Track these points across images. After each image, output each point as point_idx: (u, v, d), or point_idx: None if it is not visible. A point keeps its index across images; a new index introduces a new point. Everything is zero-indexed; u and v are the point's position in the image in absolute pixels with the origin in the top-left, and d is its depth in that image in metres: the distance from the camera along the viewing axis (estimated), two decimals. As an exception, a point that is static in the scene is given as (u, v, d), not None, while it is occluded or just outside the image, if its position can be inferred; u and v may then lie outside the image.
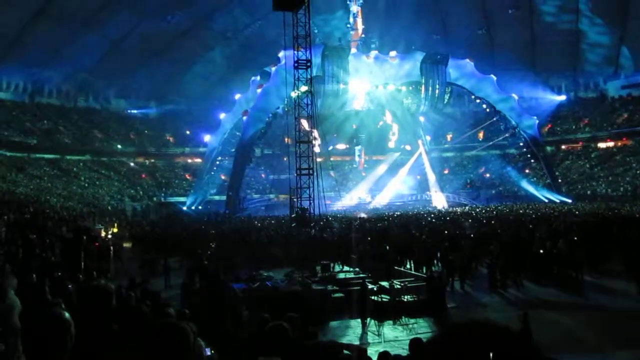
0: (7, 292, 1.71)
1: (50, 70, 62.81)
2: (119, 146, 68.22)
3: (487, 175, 67.75)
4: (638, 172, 56.52)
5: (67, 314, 2.09)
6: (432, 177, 64.68)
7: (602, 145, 66.01)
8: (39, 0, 52.66)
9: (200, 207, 55.21)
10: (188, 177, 68.12)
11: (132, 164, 67.71)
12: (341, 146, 68.81)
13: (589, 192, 56.77)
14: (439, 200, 60.52)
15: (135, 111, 76.83)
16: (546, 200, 53.16)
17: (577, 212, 36.69)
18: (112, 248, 25.68)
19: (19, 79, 64.63)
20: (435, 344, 1.13)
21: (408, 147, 65.60)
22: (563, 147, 69.28)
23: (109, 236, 32.38)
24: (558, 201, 52.07)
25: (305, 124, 27.57)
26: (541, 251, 20.19)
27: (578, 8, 65.52)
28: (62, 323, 2.03)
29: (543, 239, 21.92)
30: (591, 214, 34.56)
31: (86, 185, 56.56)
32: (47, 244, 18.28)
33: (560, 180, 58.69)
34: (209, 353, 4.27)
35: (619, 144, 64.51)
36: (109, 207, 51.06)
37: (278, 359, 2.64)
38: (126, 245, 29.76)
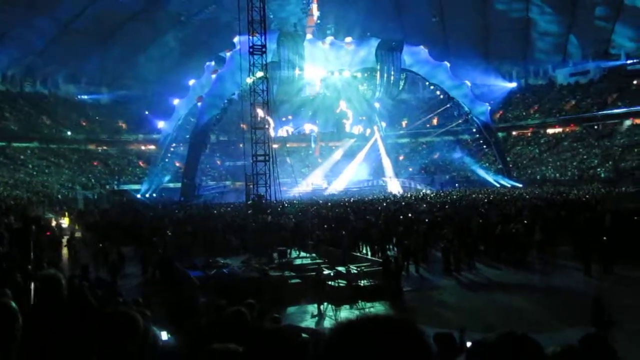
0: None
1: (-4, 53, 60.43)
2: (69, 133, 66.28)
3: (440, 161, 68.85)
4: (585, 157, 58.42)
5: (13, 304, 2.03)
6: (387, 163, 65.24)
7: (550, 131, 67.89)
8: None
9: (154, 195, 54.31)
10: (142, 165, 66.82)
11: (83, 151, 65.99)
12: (296, 132, 68.69)
13: (538, 176, 58.41)
14: (394, 186, 61.18)
15: (85, 97, 74.60)
16: (498, 185, 54.40)
17: (527, 196, 37.67)
18: (63, 238, 25.09)
19: (-38, 63, 62.00)
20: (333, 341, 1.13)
21: (367, 132, 65.85)
22: (514, 133, 71.02)
23: (61, 225, 31.58)
24: (509, 186, 53.41)
25: (260, 110, 27.38)
26: (493, 234, 20.71)
27: (529, -4, 66.89)
28: (8, 313, 1.97)
29: (495, 223, 22.45)
30: (540, 197, 35.57)
31: (34, 173, 54.86)
32: (-6, 234, 17.66)
33: (511, 166, 60.19)
34: (165, 338, 4.23)
35: (567, 130, 66.49)
36: (59, 196, 49.67)
37: (234, 346, 2.62)
38: (78, 234, 29.07)
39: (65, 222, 34.42)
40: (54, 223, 31.56)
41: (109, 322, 2.41)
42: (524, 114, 71.77)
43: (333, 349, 1.11)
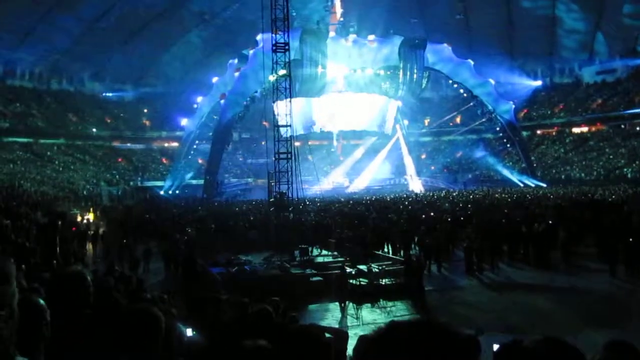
0: (11, 275, 1.67)
1: (23, 51, 61.34)
2: (94, 130, 67.18)
3: (464, 159, 68.34)
4: (611, 157, 57.47)
5: (41, 300, 2.05)
6: (409, 161, 64.97)
7: (576, 130, 66.93)
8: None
9: (177, 192, 54.79)
10: (165, 162, 67.46)
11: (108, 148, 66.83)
12: (319, 130, 68.79)
13: (563, 176, 57.59)
14: (416, 185, 60.92)
15: (110, 94, 75.59)
16: (521, 185, 53.78)
17: (551, 196, 37.20)
18: (88, 233, 25.43)
19: (-11, 61, 63.13)
20: (374, 344, 1.13)
21: (388, 131, 65.70)
22: (538, 132, 70.09)
23: (85, 221, 32.03)
24: (533, 185, 52.76)
25: (283, 107, 27.42)
26: (516, 234, 20.50)
27: (555, -7, 66.01)
28: (36, 309, 2.00)
29: (518, 223, 22.21)
30: (565, 197, 35.09)
31: (60, 169, 55.68)
32: (22, 229, 17.98)
33: (535, 165, 59.45)
34: (190, 334, 4.26)
35: (593, 129, 65.49)
36: (85, 192, 50.39)
37: (264, 342, 2.62)
38: (102, 230, 29.46)
39: (90, 217, 34.90)
40: (79, 218, 32.02)
41: (131, 319, 2.45)
42: (549, 112, 70.83)
43: (377, 353, 1.10)
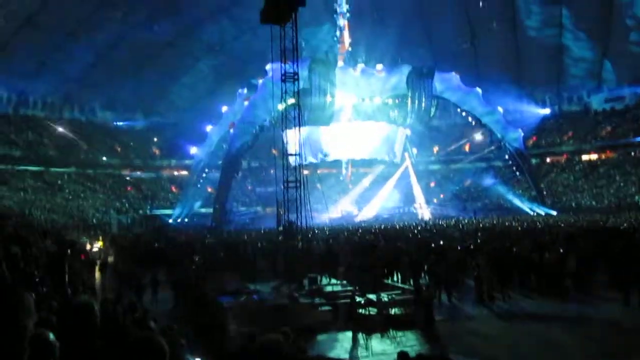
0: (33, 310, 1.68)
1: (36, 81, 62.33)
2: (104, 158, 67.73)
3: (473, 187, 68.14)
4: (621, 184, 57.14)
5: (52, 335, 2.05)
6: (418, 189, 64.90)
7: (586, 157, 66.73)
8: (25, 9, 52.32)
9: (186, 220, 54.85)
10: (174, 190, 67.74)
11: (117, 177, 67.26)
12: (328, 159, 69.01)
13: (573, 204, 57.22)
14: (425, 213, 60.75)
15: (121, 123, 76.38)
16: (532, 213, 53.45)
17: (562, 224, 36.92)
18: (97, 262, 25.45)
19: (3, 90, 64.02)
20: None
21: (395, 160, 65.77)
22: (548, 159, 69.92)
23: (94, 249, 32.06)
24: (543, 213, 52.41)
25: (292, 136, 27.54)
26: (527, 263, 20.29)
27: (561, 23, 66.45)
28: (47, 346, 1.99)
29: (529, 251, 22.00)
30: (576, 226, 34.80)
31: (70, 197, 56.05)
32: (31, 258, 18.02)
33: (545, 193, 59.16)
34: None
35: (603, 156, 65.27)
36: (94, 220, 50.60)
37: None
38: (111, 258, 29.46)
39: (99, 245, 34.95)
40: (88, 247, 32.06)
41: (135, 348, 2.43)
42: (558, 140, 70.74)
43: None
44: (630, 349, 11.59)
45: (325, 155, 61.18)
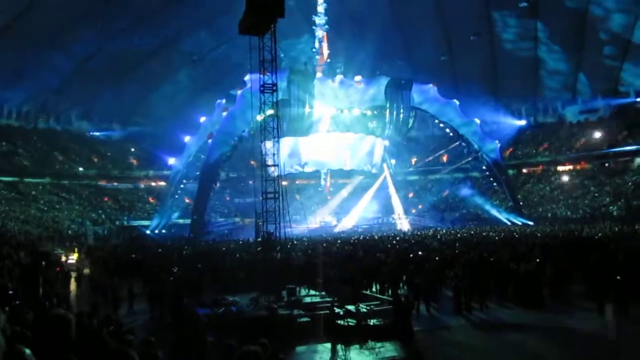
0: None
1: (11, 90, 61.40)
2: (81, 169, 66.91)
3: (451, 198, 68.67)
4: (596, 195, 58.04)
5: (27, 350, 2.01)
6: (396, 200, 65.19)
7: (561, 168, 67.68)
8: (2, 18, 51.59)
9: (164, 231, 54.34)
10: (152, 201, 67.13)
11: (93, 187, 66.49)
12: (307, 169, 69.12)
13: (549, 214, 57.95)
14: (403, 224, 61.03)
15: (97, 133, 75.61)
16: (509, 223, 53.96)
17: (538, 234, 37.34)
18: (72, 274, 25.08)
19: (-23, 100, 63.09)
20: None
21: (373, 170, 66.03)
22: (524, 170, 70.79)
23: (69, 261, 31.59)
24: (520, 223, 52.93)
25: (271, 147, 27.53)
26: (504, 273, 20.47)
27: (537, 36, 67.53)
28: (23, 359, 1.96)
29: (506, 261, 22.21)
30: (552, 236, 35.23)
31: (45, 209, 55.19)
32: (4, 270, 17.69)
33: (521, 203, 59.79)
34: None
35: (578, 167, 66.26)
36: (70, 232, 49.88)
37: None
38: (87, 270, 29.05)
39: (74, 257, 34.44)
40: (63, 259, 31.58)
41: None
42: (534, 151, 71.72)
43: None
44: (604, 357, 11.74)
45: (305, 165, 61.23)
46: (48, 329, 2.79)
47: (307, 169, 62.49)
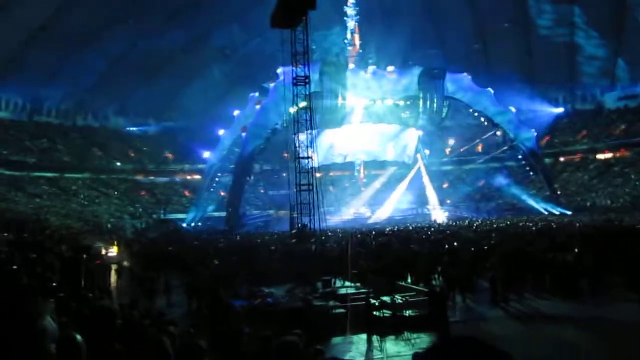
0: (44, 317, 1.72)
1: (49, 88, 63.02)
2: (118, 164, 68.26)
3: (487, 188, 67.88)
4: (637, 183, 56.61)
5: (79, 337, 2.11)
6: (431, 191, 64.72)
7: (600, 156, 66.18)
8: (38, 18, 52.91)
9: (199, 224, 55.08)
10: (187, 194, 68.05)
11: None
12: (340, 160, 69.07)
13: (588, 203, 56.75)
14: (438, 215, 60.57)
15: (134, 128, 77.00)
16: (545, 213, 53.09)
17: (577, 224, 36.66)
18: (112, 267, 25.64)
19: (17, 98, 64.87)
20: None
21: (407, 161, 65.64)
22: (561, 159, 69.42)
23: (109, 254, 32.29)
24: (557, 213, 52.04)
25: (304, 139, 27.62)
26: (542, 264, 20.18)
27: (573, 21, 66.07)
28: (75, 346, 2.05)
29: (543, 252, 21.89)
30: (591, 225, 34.54)
31: (85, 203, 56.52)
32: (47, 263, 18.22)
33: (559, 192, 58.70)
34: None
35: (617, 155, 64.69)
36: (109, 225, 50.98)
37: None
38: (126, 263, 29.66)
39: (114, 250, 35.19)
40: (103, 252, 32.30)
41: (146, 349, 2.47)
42: (572, 139, 70.25)
43: None
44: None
45: (345, 157, 61.24)
46: (95, 319, 2.90)
47: (340, 160, 62.48)
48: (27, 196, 51.52)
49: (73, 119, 71.20)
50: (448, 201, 66.25)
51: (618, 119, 68.52)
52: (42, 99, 66.21)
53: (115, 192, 63.01)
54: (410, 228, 42.91)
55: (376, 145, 62.04)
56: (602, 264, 19.48)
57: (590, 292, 18.25)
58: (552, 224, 39.06)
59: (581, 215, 48.65)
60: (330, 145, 59.97)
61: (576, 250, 21.53)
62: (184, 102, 74.19)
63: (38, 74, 58.26)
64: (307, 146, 25.91)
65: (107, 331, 2.96)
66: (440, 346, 1.14)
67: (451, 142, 73.75)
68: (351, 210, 63.95)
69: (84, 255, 19.93)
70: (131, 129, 76.94)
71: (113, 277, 24.31)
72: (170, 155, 74.65)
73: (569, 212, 52.01)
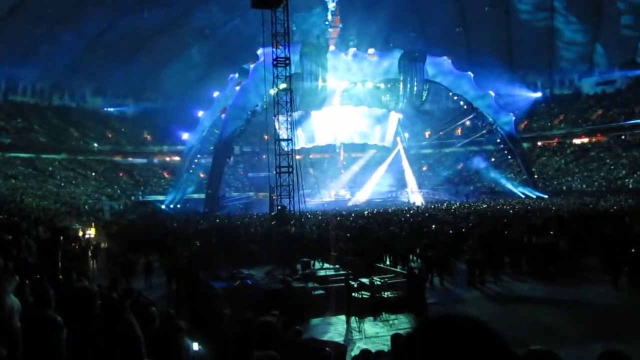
0: (8, 292, 1.69)
1: (25, 67, 61.67)
2: (96, 145, 67.40)
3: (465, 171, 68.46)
4: (612, 167, 57.52)
5: (59, 317, 2.09)
6: (409, 174, 65.08)
7: (577, 141, 67.02)
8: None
9: (178, 206, 54.83)
10: (166, 176, 67.60)
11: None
12: (320, 143, 68.95)
13: (564, 187, 57.61)
14: (416, 198, 61.03)
15: (111, 109, 75.97)
16: (523, 196, 53.79)
17: (553, 207, 37.20)
18: (90, 248, 25.44)
19: (-8, 77, 63.53)
20: (413, 339, 1.14)
21: (387, 144, 65.82)
22: (539, 143, 70.21)
23: (87, 236, 32.05)
24: (534, 197, 52.75)
25: (284, 121, 27.54)
26: (518, 246, 20.49)
27: (553, 6, 66.45)
28: (55, 325, 2.03)
29: (520, 234, 22.20)
30: (567, 209, 35.08)
31: (62, 184, 55.80)
32: (24, 245, 18.00)
33: (536, 176, 59.47)
34: (196, 349, 4.29)
35: (593, 140, 65.56)
36: (86, 207, 50.48)
37: (274, 353, 2.66)
38: (104, 244, 29.46)
39: (92, 232, 34.92)
40: (81, 233, 32.03)
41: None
42: (549, 124, 70.98)
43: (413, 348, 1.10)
44: (618, 329, 11.77)
45: (318, 141, 61.09)
46: (73, 300, 2.88)
47: (321, 143, 62.42)
48: (2, 177, 50.67)
49: (49, 98, 69.98)
50: (427, 184, 66.72)
51: (595, 104, 69.33)
52: (17, 78, 64.79)
53: (93, 174, 62.25)
54: (390, 210, 43.16)
55: (356, 128, 62.04)
56: (577, 246, 19.83)
57: (566, 275, 18.59)
58: (529, 207, 39.59)
59: (558, 198, 49.37)
60: (311, 127, 59.84)
61: (552, 233, 21.88)
62: (163, 82, 73.31)
63: (13, 53, 56.97)
64: (287, 128, 25.83)
65: (87, 312, 2.94)
66: (424, 327, 1.13)
67: (431, 125, 74.04)
68: (331, 192, 64.09)
69: (61, 237, 19.71)
70: (109, 109, 75.91)
71: (91, 259, 24.13)
72: (148, 137, 73.92)
73: (545, 196, 52.77)
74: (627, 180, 53.48)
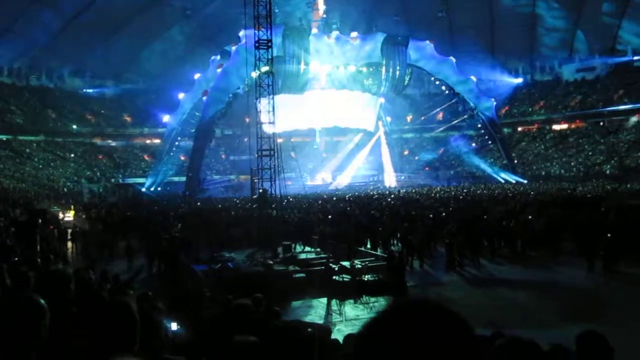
0: None
1: (1, 47, 60.37)
2: (75, 126, 66.45)
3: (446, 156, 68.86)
4: (590, 153, 58.26)
5: (42, 301, 2.05)
6: (387, 158, 65.26)
7: (556, 127, 67.71)
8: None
9: (159, 189, 54.43)
10: (147, 158, 67.00)
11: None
12: (302, 127, 68.69)
13: (543, 172, 58.29)
14: (392, 181, 61.46)
15: (90, 90, 74.73)
16: (502, 181, 54.30)
17: (531, 192, 37.62)
18: (69, 231, 25.24)
19: (-34, 57, 62.12)
20: (377, 325, 1.10)
21: (369, 128, 65.83)
22: (519, 128, 70.84)
23: (66, 219, 31.72)
24: (514, 181, 53.28)
25: (266, 104, 27.37)
26: (496, 230, 20.75)
27: (535, -9, 66.67)
28: (38, 309, 2.00)
29: (499, 219, 22.47)
30: (545, 193, 35.51)
31: (40, 166, 55.08)
32: (1, 227, 17.80)
33: (516, 161, 60.05)
34: (175, 328, 4.29)
35: (573, 126, 66.31)
36: (65, 189, 49.91)
37: (253, 338, 2.67)
38: (84, 227, 29.20)
39: (70, 215, 34.56)
40: (60, 216, 31.71)
41: (109, 312, 2.44)
42: (530, 109, 71.58)
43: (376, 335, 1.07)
44: (592, 312, 12.03)
45: (300, 124, 60.86)
46: (48, 283, 2.85)
47: (303, 127, 62.17)
48: (-22, 159, 49.91)
49: (26, 79, 68.59)
50: (408, 168, 67.03)
51: (575, 90, 70.00)
52: (-8, 57, 63.48)
53: (72, 156, 61.45)
54: (371, 194, 43.33)
55: (338, 111, 61.88)
56: (554, 230, 20.13)
57: (542, 258, 18.89)
58: (508, 192, 40.01)
59: (536, 183, 49.93)
60: (293, 111, 59.54)
61: (530, 217, 22.17)
62: (143, 63, 72.30)
63: (-12, 32, 55.83)
64: (268, 111, 25.68)
65: (62, 295, 2.92)
66: (384, 318, 1.09)
67: (413, 110, 74.20)
68: (313, 176, 64.11)
69: (39, 220, 19.51)
70: (88, 90, 74.60)
71: (70, 242, 23.94)
72: (128, 119, 72.99)
73: (525, 181, 53.32)
74: (604, 166, 54.24)
